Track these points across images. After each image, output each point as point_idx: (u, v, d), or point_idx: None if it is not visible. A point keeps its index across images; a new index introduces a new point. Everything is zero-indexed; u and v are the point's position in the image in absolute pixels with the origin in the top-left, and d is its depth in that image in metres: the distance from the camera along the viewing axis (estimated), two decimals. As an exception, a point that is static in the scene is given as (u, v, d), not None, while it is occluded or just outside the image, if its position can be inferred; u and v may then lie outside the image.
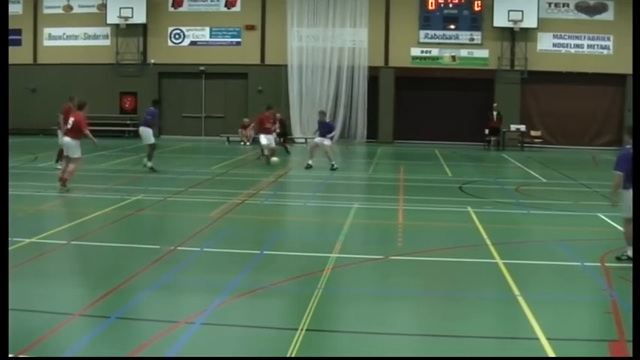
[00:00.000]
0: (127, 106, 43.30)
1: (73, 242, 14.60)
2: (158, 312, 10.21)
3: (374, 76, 41.81)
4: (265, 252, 13.81)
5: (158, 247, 13.90)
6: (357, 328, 9.53)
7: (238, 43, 42.90)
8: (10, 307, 10.25)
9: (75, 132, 21.18)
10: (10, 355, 7.39)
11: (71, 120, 21.29)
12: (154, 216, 18.11)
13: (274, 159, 27.84)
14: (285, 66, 41.70)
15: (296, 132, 41.36)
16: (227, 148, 37.52)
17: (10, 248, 13.63)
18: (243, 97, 41.27)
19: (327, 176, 26.13)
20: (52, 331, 9.22)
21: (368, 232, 16.66)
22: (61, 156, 25.00)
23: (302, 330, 9.18)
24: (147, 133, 26.22)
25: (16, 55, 44.29)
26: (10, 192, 20.67)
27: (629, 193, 12.96)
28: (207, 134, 42.25)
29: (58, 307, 10.24)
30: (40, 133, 40.01)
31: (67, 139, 21.41)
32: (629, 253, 12.74)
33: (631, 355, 8.11)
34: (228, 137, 39.84)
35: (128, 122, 42.67)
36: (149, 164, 25.63)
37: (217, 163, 29.27)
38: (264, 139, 28.89)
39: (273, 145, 29.21)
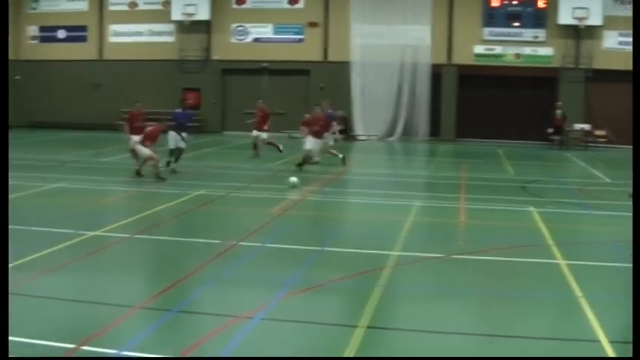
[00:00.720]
0: (190, 102, 43.57)
1: (136, 236, 14.76)
2: (218, 306, 10.28)
3: (436, 73, 41.60)
4: (325, 248, 13.84)
5: (219, 242, 14.00)
6: (417, 327, 9.50)
7: (301, 40, 43.03)
8: (72, 298, 10.47)
9: (147, 140, 22.28)
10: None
11: (149, 129, 22.51)
12: (216, 211, 18.21)
13: (293, 179, 21.58)
14: (348, 63, 41.67)
15: (358, 129, 41.35)
16: (289, 144, 37.58)
17: (73, 241, 13.90)
18: (305, 94, 41.29)
19: (389, 174, 26.11)
20: (114, 323, 9.32)
21: (429, 230, 16.59)
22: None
23: (361, 327, 9.18)
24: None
25: (82, 52, 45.04)
26: (74, 186, 21.14)
27: None
28: (269, 130, 42.35)
29: (120, 300, 10.36)
30: (104, 128, 40.44)
31: (139, 146, 22.47)
32: None
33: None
34: (289, 134, 39.88)
35: (192, 118, 42.90)
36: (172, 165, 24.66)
37: (279, 159, 29.34)
38: (308, 144, 26.28)
39: (315, 152, 26.61)
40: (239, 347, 8.58)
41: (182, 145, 24.79)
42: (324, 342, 8.91)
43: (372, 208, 19.18)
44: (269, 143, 30.34)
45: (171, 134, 24.74)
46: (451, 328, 9.42)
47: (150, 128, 22.48)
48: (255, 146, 30.22)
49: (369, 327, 9.21)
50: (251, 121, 30.85)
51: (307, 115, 32.52)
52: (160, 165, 22.51)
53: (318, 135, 26.40)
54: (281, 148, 29.94)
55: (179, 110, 25.91)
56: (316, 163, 26.62)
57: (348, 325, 9.31)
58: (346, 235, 15.94)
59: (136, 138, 24.01)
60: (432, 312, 10.23)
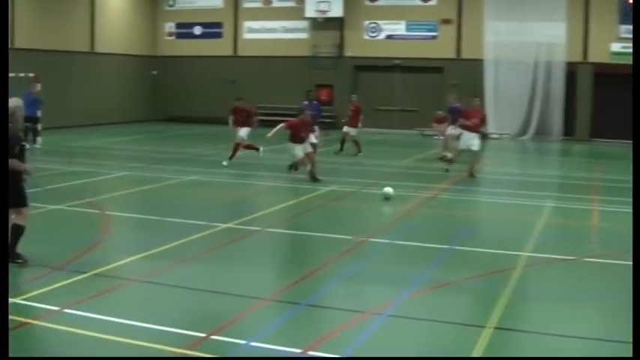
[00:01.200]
0: (322, 98, 43.85)
1: (266, 229, 14.97)
2: (346, 301, 10.33)
3: (571, 71, 40.71)
4: (455, 247, 13.75)
5: (349, 238, 14.07)
6: (546, 330, 9.34)
7: (434, 37, 42.76)
8: (204, 288, 10.70)
9: (293, 137, 21.67)
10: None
11: (293, 124, 22.06)
12: (346, 207, 18.30)
13: (387, 190, 19.02)
14: (481, 61, 41.20)
15: (491, 128, 40.81)
16: (420, 141, 37.49)
17: (206, 232, 14.22)
18: (437, 91, 40.98)
19: (521, 173, 25.74)
20: (244, 314, 9.49)
21: (560, 231, 16.27)
22: (235, 152, 25.13)
23: (489, 328, 9.10)
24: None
25: (217, 48, 45.87)
26: (207, 178, 21.58)
27: None
28: (401, 127, 42.29)
29: (250, 291, 10.54)
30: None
31: (292, 145, 21.83)
32: None
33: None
34: (422, 131, 39.79)
35: (324, 114, 43.01)
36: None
37: (410, 156, 29.30)
38: (469, 140, 23.48)
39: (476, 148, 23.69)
40: (366, 344, 8.62)
41: (313, 140, 23.53)
42: (452, 341, 8.86)
43: (504, 208, 18.95)
44: (354, 142, 29.51)
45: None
46: (581, 333, 9.23)
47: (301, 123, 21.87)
48: (342, 142, 29.53)
49: (497, 328, 9.13)
50: (344, 120, 30.37)
51: (440, 112, 32.25)
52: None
53: (476, 129, 23.73)
54: (360, 152, 29.21)
55: (306, 103, 25.68)
56: (451, 161, 26.55)
57: (476, 325, 9.24)
58: (476, 234, 15.80)
59: (242, 131, 24.92)
60: (561, 315, 10.05)
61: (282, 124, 21.86)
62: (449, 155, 25.39)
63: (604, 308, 10.65)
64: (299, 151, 21.63)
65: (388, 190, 19.03)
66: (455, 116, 27.28)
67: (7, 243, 9.71)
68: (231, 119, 25.78)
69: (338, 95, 43.59)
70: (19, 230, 11.45)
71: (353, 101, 30.65)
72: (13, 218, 11.35)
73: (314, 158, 21.96)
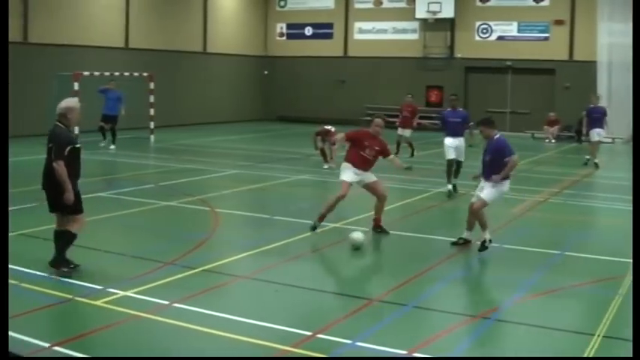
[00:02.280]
0: (432, 99, 43.66)
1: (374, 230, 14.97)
2: (454, 304, 10.29)
3: (689, 74, 39.63)
4: (565, 252, 13.53)
5: (456, 240, 13.98)
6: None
7: (546, 39, 42.11)
8: (310, 287, 10.77)
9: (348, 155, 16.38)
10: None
11: (350, 135, 20.71)
12: (455, 208, 18.17)
13: (357, 236, 13.30)
14: (594, 62, 40.40)
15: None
16: (531, 144, 36.93)
17: (312, 232, 14.25)
18: (549, 94, 40.41)
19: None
20: (349, 314, 9.53)
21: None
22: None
23: (598, 336, 8.93)
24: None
25: (328, 48, 46.05)
26: (316, 178, 21.64)
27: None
28: (512, 130, 41.72)
29: (356, 291, 10.61)
30: (348, 124, 41.07)
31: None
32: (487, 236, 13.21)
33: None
34: (532, 133, 39.24)
35: (434, 115, 42.74)
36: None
37: (521, 159, 28.85)
38: None
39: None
40: (472, 347, 8.58)
41: (461, 157, 20.03)
42: (559, 348, 8.72)
43: (615, 214, 18.52)
44: (408, 143, 28.62)
45: (448, 142, 19.97)
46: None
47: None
48: (398, 144, 28.08)
49: (605, 336, 8.94)
50: (398, 120, 29.39)
51: (552, 114, 31.71)
52: None
53: None
54: (414, 153, 28.41)
55: (449, 110, 20.82)
56: (596, 166, 26.18)
57: (585, 332, 9.08)
58: (587, 239, 15.49)
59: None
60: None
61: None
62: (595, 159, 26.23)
63: None
64: (345, 174, 15.38)
65: (356, 236, 13.45)
66: (596, 118, 26.88)
67: (7, 243, 9.51)
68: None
69: (448, 97, 43.31)
70: (65, 236, 10.93)
71: (408, 102, 29.95)
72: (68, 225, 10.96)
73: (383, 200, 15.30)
